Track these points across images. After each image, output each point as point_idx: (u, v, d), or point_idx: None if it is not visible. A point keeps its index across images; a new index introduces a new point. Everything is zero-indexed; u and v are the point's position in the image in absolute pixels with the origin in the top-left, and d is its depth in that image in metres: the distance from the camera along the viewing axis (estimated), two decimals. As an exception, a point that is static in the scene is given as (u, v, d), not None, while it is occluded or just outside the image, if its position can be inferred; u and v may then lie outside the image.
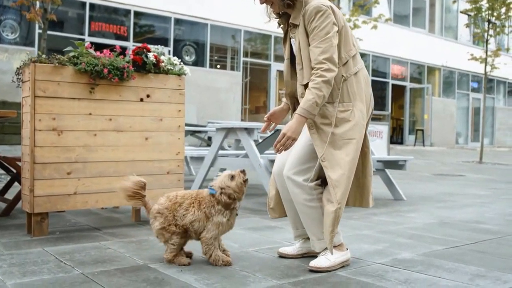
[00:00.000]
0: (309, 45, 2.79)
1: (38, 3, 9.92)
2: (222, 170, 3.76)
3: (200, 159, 6.17)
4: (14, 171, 4.56)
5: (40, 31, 10.03)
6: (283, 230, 3.92)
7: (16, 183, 4.75)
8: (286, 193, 2.98)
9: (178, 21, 15.47)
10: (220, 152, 5.78)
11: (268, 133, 3.07)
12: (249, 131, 5.29)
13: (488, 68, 16.35)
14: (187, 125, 9.06)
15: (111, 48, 3.88)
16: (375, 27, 15.37)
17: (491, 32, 16.22)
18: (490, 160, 16.05)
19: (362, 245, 3.47)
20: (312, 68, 2.74)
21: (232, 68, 16.88)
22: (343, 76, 2.81)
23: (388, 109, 21.20)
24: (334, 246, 2.84)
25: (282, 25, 3.02)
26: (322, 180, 2.85)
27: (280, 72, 17.31)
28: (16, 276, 2.57)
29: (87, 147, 3.67)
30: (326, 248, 2.84)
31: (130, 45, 13.97)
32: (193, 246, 3.00)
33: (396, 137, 22.74)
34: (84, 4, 13.68)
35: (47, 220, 3.58)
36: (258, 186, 6.68)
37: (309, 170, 2.83)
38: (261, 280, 2.59)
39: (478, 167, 13.29)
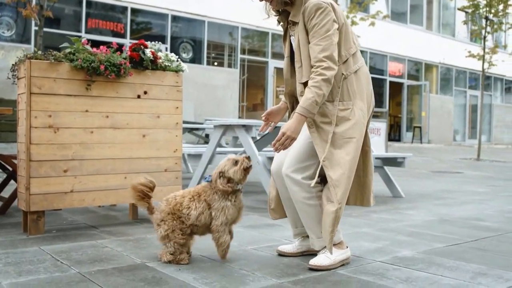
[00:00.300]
0: (308, 43, 2.75)
1: (34, 0, 9.85)
2: None
3: (197, 156, 6.14)
4: (10, 169, 4.52)
5: (37, 28, 9.96)
6: (282, 228, 3.89)
7: (12, 181, 4.71)
8: (285, 191, 2.95)
9: (175, 18, 15.41)
10: (218, 149, 5.74)
11: (267, 132, 3.04)
12: (247, 128, 5.25)
13: (486, 65, 16.34)
14: (184, 122, 9.01)
15: (108, 44, 3.83)
16: (372, 24, 15.32)
17: (488, 29, 16.21)
18: (487, 157, 16.05)
19: (362, 243, 3.44)
20: (312, 66, 2.70)
21: (230, 66, 16.83)
22: (343, 74, 2.78)
23: (385, 106, 21.20)
24: (334, 244, 2.81)
25: (281, 23, 2.98)
26: (321, 178, 2.82)
27: (278, 70, 17.28)
28: (11, 276, 2.53)
29: (83, 145, 3.63)
30: (325, 247, 2.81)
31: (127, 42, 13.91)
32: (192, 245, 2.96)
33: (393, 134, 22.71)
34: (80, 1, 13.61)
35: (43, 218, 3.54)
36: (257, 183, 6.64)
37: (308, 168, 2.80)
38: (260, 279, 2.56)
39: (476, 164, 13.29)
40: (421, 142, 21.16)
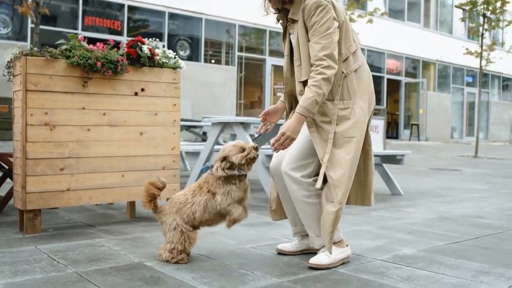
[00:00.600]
0: (308, 41, 2.71)
1: (30, -3, 9.79)
2: None
3: (195, 154, 6.10)
4: (6, 167, 4.47)
5: (33, 25, 9.90)
6: (281, 226, 3.85)
7: (8, 180, 4.66)
8: (284, 189, 2.91)
9: (172, 16, 15.34)
10: (216, 147, 5.70)
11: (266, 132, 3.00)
12: (245, 125, 5.22)
13: (483, 62, 16.34)
14: (181, 120, 8.97)
15: (105, 41, 3.79)
16: (370, 21, 15.30)
17: (486, 26, 16.20)
18: (485, 154, 16.05)
19: (362, 241, 3.41)
20: (312, 65, 2.66)
21: (227, 63, 16.78)
22: (343, 72, 2.74)
23: (383, 103, 21.18)
24: (334, 243, 2.78)
25: (281, 21, 2.93)
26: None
27: (275, 67, 17.24)
28: (7, 276, 2.49)
29: (80, 142, 3.59)
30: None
31: (124, 40, 13.84)
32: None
33: (391, 131, 22.72)
34: (77, -2, 13.55)
35: (39, 217, 3.50)
36: (255, 181, 6.60)
37: (307, 166, 2.76)
38: (260, 278, 2.53)
39: (474, 162, 13.29)
40: (418, 140, 21.16)
